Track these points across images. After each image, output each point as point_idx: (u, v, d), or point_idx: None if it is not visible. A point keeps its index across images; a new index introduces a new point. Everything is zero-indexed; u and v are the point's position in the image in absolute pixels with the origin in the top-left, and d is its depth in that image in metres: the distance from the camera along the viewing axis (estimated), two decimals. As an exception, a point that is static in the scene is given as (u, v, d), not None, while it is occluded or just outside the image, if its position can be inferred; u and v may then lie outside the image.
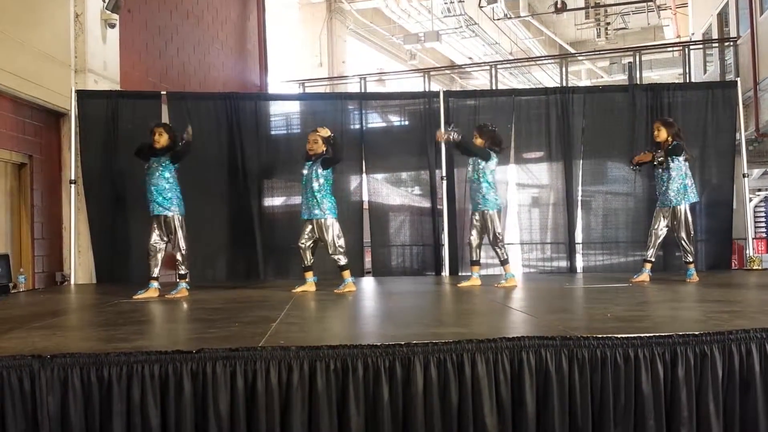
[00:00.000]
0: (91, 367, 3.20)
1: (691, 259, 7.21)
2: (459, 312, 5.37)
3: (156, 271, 6.69)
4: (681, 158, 7.15)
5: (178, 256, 6.68)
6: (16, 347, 3.55)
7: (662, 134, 7.12)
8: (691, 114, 9.08)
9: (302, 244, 6.87)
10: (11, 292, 7.30)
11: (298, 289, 6.77)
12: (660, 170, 7.18)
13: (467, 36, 20.54)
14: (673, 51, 18.31)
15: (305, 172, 6.89)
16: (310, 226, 6.83)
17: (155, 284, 6.65)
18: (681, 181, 7.11)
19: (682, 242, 7.18)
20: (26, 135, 8.09)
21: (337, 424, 3.24)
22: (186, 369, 3.21)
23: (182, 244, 6.68)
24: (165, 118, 8.75)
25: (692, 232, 7.26)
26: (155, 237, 6.67)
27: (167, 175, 6.65)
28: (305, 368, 3.24)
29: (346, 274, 6.79)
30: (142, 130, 8.59)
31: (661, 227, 7.26)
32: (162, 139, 6.67)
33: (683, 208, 7.14)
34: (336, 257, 6.80)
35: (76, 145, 8.58)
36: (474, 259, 7.22)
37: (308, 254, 6.90)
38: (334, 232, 6.79)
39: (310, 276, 6.90)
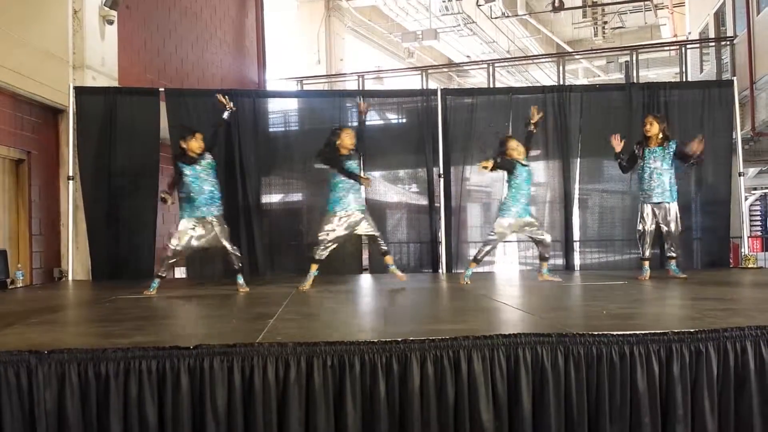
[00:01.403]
0: (88, 363, 3.21)
1: (675, 255, 7.28)
2: (455, 309, 5.38)
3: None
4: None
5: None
6: (13, 343, 3.56)
7: (654, 128, 7.15)
8: (688, 113, 9.10)
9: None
10: (9, 287, 7.31)
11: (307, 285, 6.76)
12: (654, 164, 7.17)
13: (465, 34, 20.54)
14: (670, 50, 18.33)
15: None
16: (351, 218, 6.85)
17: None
18: (671, 178, 7.14)
19: (674, 238, 7.23)
20: (24, 131, 8.08)
21: (333, 420, 3.26)
22: (183, 365, 3.22)
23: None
24: (163, 115, 8.77)
25: (681, 228, 7.33)
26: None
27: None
28: (302, 364, 3.25)
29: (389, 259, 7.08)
30: (139, 126, 8.60)
31: (651, 224, 7.28)
32: (197, 145, 6.56)
33: (675, 204, 7.18)
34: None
35: (74, 141, 8.57)
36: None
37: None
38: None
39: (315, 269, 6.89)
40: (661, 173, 7.10)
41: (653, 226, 7.26)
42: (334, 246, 6.84)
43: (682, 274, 7.17)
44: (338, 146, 6.85)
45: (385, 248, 7.02)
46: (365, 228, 6.89)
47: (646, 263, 7.32)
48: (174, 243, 6.52)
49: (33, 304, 5.81)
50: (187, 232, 6.49)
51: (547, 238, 7.20)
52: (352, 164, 6.91)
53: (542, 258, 7.20)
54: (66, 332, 4.36)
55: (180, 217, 6.61)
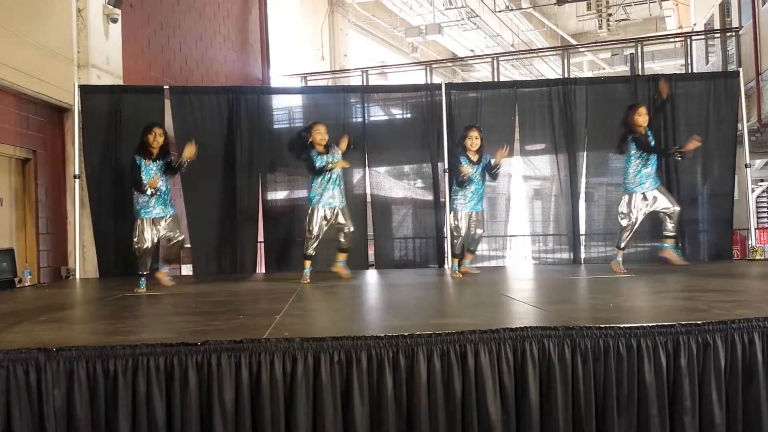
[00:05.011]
0: (96, 360, 3.22)
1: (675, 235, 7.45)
2: (462, 303, 5.38)
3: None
4: None
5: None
6: (22, 341, 3.57)
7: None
8: (693, 104, 9.05)
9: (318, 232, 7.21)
10: (17, 286, 7.34)
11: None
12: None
13: (469, 28, 20.51)
14: (675, 42, 18.25)
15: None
16: (331, 214, 7.22)
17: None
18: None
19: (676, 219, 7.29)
20: (30, 130, 8.10)
21: (341, 415, 3.26)
22: (191, 361, 3.23)
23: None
24: (168, 113, 8.78)
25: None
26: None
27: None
28: (309, 360, 3.26)
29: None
30: (144, 124, 8.62)
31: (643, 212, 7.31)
32: (161, 140, 6.86)
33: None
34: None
35: (80, 140, 8.59)
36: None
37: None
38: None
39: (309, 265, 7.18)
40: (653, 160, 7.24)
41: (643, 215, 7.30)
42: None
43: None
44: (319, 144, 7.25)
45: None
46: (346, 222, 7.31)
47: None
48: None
49: (41, 303, 5.83)
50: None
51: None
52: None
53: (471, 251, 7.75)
54: (74, 330, 4.38)
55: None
